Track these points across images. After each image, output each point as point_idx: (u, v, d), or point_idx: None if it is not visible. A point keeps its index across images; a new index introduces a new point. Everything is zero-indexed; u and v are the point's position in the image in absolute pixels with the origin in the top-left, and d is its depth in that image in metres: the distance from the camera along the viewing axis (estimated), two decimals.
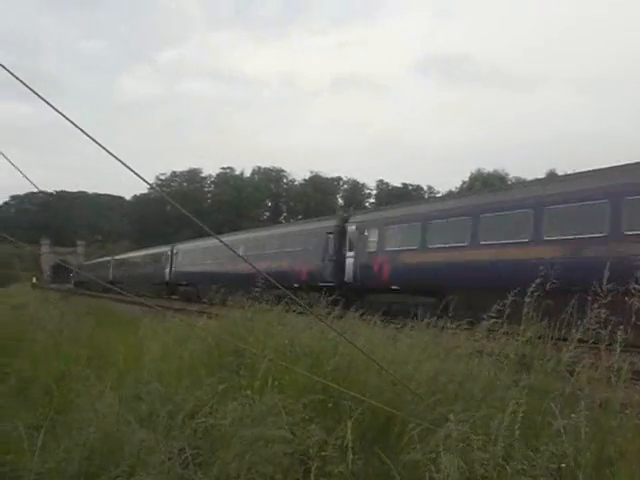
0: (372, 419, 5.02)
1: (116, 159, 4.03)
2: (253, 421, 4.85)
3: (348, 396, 5.02)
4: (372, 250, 25.61)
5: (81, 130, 3.94)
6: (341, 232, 27.96)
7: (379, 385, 5.35)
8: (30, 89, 3.73)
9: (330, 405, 5.25)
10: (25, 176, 5.96)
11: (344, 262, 27.08)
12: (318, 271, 28.17)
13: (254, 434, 4.61)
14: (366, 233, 26.19)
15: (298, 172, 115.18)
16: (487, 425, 4.28)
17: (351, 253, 26.86)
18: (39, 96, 3.77)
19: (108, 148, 4.02)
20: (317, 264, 28.57)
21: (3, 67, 3.60)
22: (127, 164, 4.09)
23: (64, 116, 3.88)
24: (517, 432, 4.11)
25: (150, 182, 5.25)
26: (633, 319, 5.04)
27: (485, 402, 4.90)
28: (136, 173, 4.23)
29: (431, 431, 4.43)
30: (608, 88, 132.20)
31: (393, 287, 23.55)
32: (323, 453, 4.46)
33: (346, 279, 26.57)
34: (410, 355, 6.18)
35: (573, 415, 4.23)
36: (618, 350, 4.95)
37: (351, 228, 27.40)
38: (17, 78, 3.65)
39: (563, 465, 3.88)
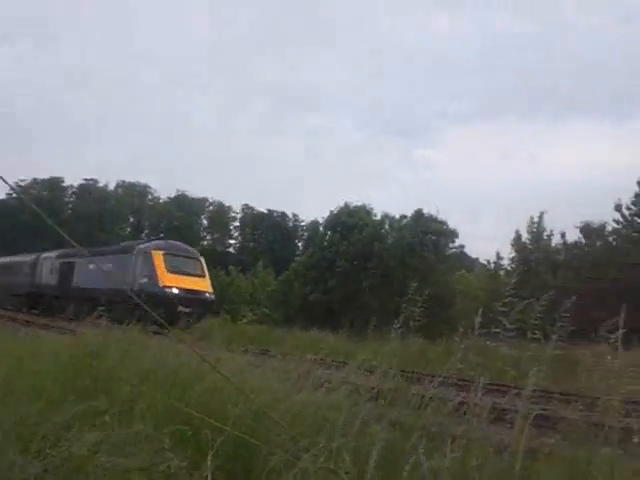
0: (235, 449, 4.93)
1: None
2: (113, 447, 4.63)
3: (210, 425, 4.90)
4: None
5: None
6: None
7: (246, 414, 5.26)
8: None
9: (191, 434, 5.10)
10: None
11: None
12: None
13: (110, 462, 4.41)
14: None
15: (164, 190, 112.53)
16: (347, 459, 4.30)
17: None
18: None
19: None
20: None
21: None
22: None
23: None
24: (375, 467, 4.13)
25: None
26: None
27: (346, 435, 4.90)
28: None
29: (292, 463, 4.39)
30: None
31: None
32: None
33: None
34: (278, 384, 6.14)
35: (436, 455, 4.33)
36: (480, 389, 5.17)
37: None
38: None
39: None
